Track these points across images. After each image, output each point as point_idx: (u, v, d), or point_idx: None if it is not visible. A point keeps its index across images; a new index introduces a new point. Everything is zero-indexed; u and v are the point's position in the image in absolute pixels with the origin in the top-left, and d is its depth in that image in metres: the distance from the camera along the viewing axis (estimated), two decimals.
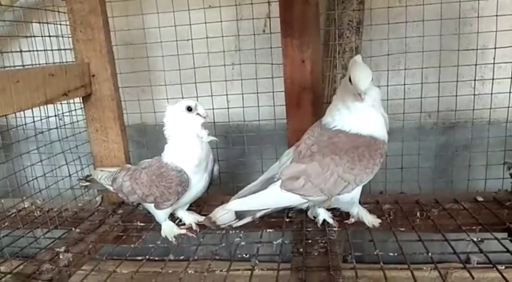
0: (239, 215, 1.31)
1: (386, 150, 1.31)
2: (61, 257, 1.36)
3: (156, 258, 1.32)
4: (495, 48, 1.67)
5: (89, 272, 1.27)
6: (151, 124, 2.06)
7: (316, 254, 1.29)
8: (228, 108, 1.95)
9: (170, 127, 1.41)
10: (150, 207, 1.47)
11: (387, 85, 1.77)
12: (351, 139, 1.27)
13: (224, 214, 1.31)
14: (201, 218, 1.54)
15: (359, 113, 1.27)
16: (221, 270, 1.22)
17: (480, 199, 1.60)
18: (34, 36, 1.64)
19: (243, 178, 2.12)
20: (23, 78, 1.31)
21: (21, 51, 1.55)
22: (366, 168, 1.27)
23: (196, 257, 1.31)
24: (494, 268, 1.11)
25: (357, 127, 1.28)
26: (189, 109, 1.37)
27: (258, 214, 1.33)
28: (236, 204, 1.31)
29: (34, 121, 1.68)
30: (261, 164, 1.99)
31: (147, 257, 1.32)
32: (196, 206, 1.67)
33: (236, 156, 2.13)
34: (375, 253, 1.23)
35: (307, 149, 1.32)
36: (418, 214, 1.51)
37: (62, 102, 1.78)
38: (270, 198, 1.31)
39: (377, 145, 1.28)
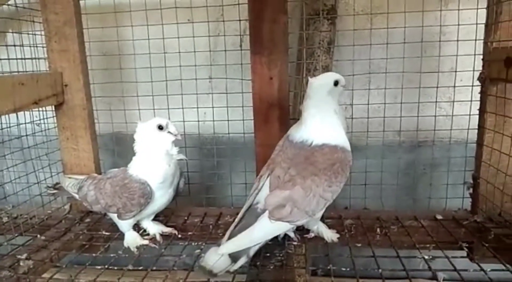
0: (233, 257, 1.22)
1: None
2: (21, 264, 1.36)
3: (116, 268, 1.34)
4: (455, 71, 1.73)
5: (47, 279, 1.28)
6: (124, 133, 2.08)
7: (272, 267, 1.32)
8: (198, 121, 1.98)
9: (140, 143, 1.43)
10: (114, 217, 1.48)
11: (352, 104, 1.82)
12: (327, 157, 1.30)
13: (218, 260, 1.20)
14: (166, 229, 1.57)
15: (330, 125, 1.33)
16: (177, 281, 1.25)
17: (439, 217, 1.64)
18: (7, 46, 1.67)
19: (215, 189, 2.15)
20: None
21: None
22: (340, 182, 1.31)
23: (155, 268, 1.33)
24: None
25: (329, 139, 1.32)
26: (160, 128, 1.39)
27: (252, 251, 1.26)
28: (229, 246, 1.21)
29: (2, 128, 1.70)
30: (230, 176, 2.02)
31: (106, 266, 1.33)
32: (164, 216, 1.70)
33: (209, 168, 2.16)
34: (328, 267, 1.27)
35: (285, 173, 1.31)
36: (378, 230, 1.55)
37: (35, 110, 1.80)
38: (261, 231, 1.25)
39: (347, 158, 1.33)
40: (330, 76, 1.36)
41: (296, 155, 1.34)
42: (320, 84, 1.34)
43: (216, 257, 1.20)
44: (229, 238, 1.24)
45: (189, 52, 1.88)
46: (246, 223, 1.27)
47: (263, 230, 1.25)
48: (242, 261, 1.24)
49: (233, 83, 1.91)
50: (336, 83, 1.34)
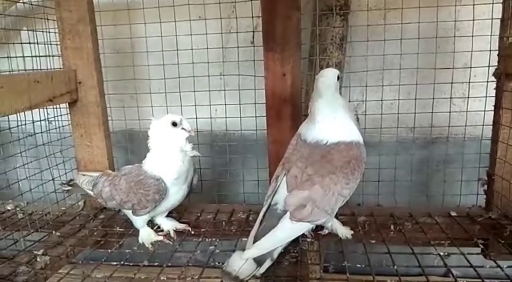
0: (258, 260, 1.20)
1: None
2: (38, 259, 1.38)
3: (131, 264, 1.35)
4: (470, 67, 1.71)
5: (64, 275, 1.30)
6: (136, 130, 2.09)
7: (286, 263, 1.32)
8: (211, 118, 1.99)
9: (154, 140, 1.44)
10: (129, 213, 1.49)
11: (365, 101, 1.81)
12: (343, 154, 1.30)
13: (243, 264, 1.18)
14: (179, 225, 1.58)
15: (342, 122, 1.33)
16: (192, 278, 1.25)
17: (453, 213, 1.63)
18: (22, 43, 1.68)
19: (227, 186, 2.16)
20: (7, 83, 1.35)
21: (8, 57, 1.59)
22: (357, 178, 1.32)
23: (170, 264, 1.33)
24: None
25: (344, 136, 1.32)
26: (174, 124, 1.40)
27: (276, 254, 1.26)
28: (253, 251, 1.19)
29: (19, 125, 1.72)
30: (242, 173, 2.02)
31: (122, 262, 1.34)
32: (177, 213, 1.71)
33: (221, 165, 2.16)
34: (343, 264, 1.27)
35: (302, 173, 1.30)
36: (391, 227, 1.55)
37: (50, 107, 1.82)
38: (283, 233, 1.24)
39: (362, 155, 1.33)
40: (333, 72, 1.36)
41: (311, 153, 1.33)
42: (329, 81, 1.33)
43: (241, 262, 1.18)
44: (254, 242, 1.22)
45: (201, 49, 1.88)
46: (268, 225, 1.26)
47: (286, 231, 1.25)
48: (267, 264, 1.23)
49: (244, 80, 1.92)
50: (338, 77, 1.36)
